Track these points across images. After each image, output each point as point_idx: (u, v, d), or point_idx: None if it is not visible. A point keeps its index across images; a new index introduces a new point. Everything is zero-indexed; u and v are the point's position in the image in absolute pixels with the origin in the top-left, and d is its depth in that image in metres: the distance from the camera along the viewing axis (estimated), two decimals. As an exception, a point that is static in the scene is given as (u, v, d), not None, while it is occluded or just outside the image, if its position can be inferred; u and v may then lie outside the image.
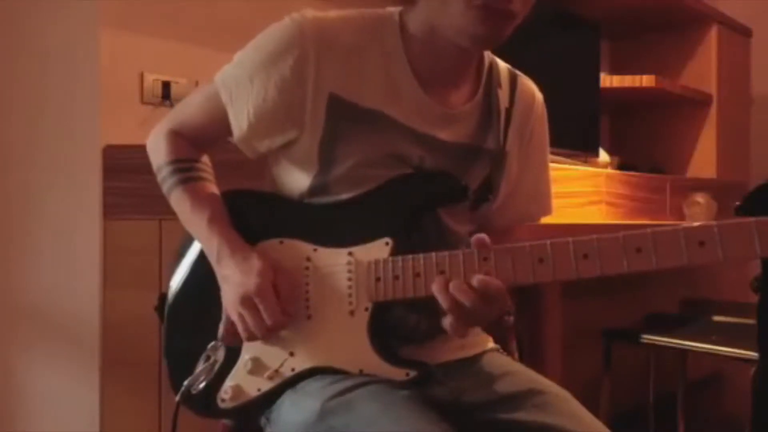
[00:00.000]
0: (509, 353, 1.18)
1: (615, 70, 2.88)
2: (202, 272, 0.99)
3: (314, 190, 0.97)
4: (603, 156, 2.38)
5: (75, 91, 1.67)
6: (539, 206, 1.16)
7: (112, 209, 1.60)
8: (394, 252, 0.91)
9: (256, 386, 0.96)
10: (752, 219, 0.75)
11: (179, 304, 1.05)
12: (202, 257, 1.01)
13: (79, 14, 1.66)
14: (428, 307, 0.98)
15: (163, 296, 1.08)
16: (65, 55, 1.68)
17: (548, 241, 0.83)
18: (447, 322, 0.87)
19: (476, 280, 0.83)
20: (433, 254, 0.88)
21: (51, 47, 1.69)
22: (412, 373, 0.90)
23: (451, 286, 0.84)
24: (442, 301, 0.85)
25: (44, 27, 1.70)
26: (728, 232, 0.76)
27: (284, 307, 0.91)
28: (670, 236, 0.78)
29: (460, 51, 0.96)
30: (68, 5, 1.67)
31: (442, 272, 0.87)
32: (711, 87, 2.83)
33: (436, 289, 0.85)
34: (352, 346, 0.92)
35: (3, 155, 1.73)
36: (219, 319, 0.98)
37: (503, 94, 1.05)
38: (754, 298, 1.42)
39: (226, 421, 1.09)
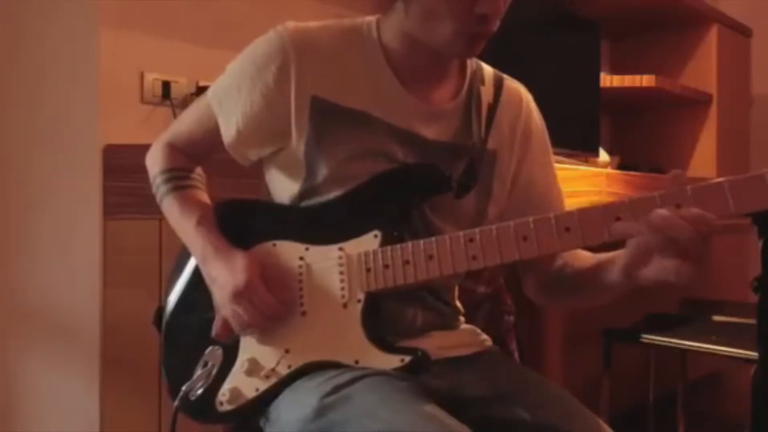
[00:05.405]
0: (509, 353, 1.18)
1: (615, 70, 2.88)
2: (199, 286, 1.01)
3: (305, 194, 0.99)
4: (603, 156, 2.38)
5: (75, 91, 1.67)
6: (555, 208, 1.14)
7: (112, 209, 1.60)
8: (384, 244, 0.93)
9: (253, 387, 0.96)
10: (724, 179, 0.77)
11: (176, 319, 1.07)
12: (198, 270, 1.02)
13: (79, 14, 1.66)
14: (423, 299, 1.00)
15: (159, 309, 1.08)
16: (65, 54, 1.68)
17: (530, 218, 0.85)
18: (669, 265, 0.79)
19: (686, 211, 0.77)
20: (421, 241, 0.91)
21: (51, 47, 1.69)
22: (407, 359, 0.91)
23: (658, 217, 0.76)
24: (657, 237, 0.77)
25: (44, 27, 1.70)
26: (702, 193, 0.78)
27: (277, 295, 0.93)
28: (647, 203, 0.80)
29: (439, 56, 0.98)
30: (68, 5, 1.67)
31: (430, 257, 0.89)
32: (711, 87, 2.82)
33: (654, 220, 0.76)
34: (346, 337, 0.93)
35: (3, 155, 1.73)
36: None
37: (486, 90, 1.07)
38: (754, 298, 1.42)
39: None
